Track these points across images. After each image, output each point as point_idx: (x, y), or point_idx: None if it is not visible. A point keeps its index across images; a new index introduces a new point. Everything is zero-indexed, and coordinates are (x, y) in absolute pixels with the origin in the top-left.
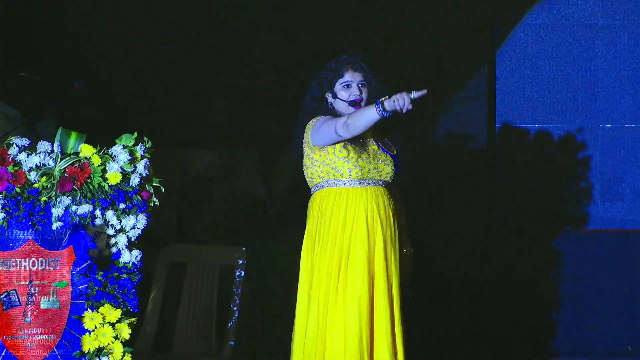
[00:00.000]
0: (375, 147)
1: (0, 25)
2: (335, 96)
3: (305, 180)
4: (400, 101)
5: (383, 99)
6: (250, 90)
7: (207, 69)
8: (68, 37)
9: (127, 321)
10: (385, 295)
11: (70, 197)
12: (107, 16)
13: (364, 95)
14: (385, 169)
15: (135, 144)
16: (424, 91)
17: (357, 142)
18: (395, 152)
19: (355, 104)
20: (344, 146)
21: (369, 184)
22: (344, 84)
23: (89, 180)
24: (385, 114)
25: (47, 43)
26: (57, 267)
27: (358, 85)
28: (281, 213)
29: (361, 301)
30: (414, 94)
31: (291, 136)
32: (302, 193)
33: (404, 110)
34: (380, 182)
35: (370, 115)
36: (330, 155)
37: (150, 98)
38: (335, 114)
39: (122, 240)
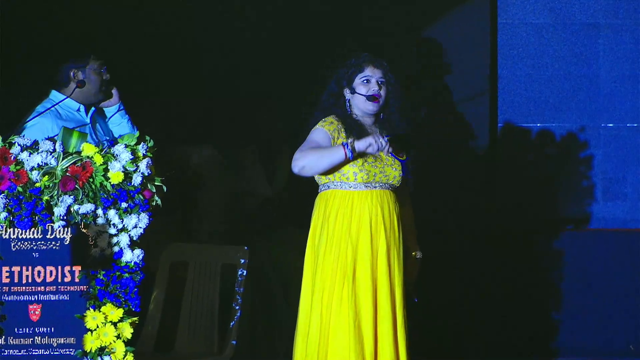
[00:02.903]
0: (382, 152)
1: (0, 25)
2: (353, 91)
3: (307, 180)
4: (376, 146)
5: (351, 140)
6: (250, 89)
7: (208, 68)
8: (68, 36)
9: (129, 320)
10: (388, 299)
11: (72, 196)
12: (106, 15)
13: (382, 93)
14: (393, 173)
15: (137, 143)
16: (390, 149)
17: None
18: (404, 157)
19: (374, 98)
20: None
21: (375, 187)
22: (364, 78)
23: (91, 180)
24: (352, 157)
25: (47, 42)
26: (59, 266)
27: (377, 81)
28: (276, 213)
29: (365, 306)
30: (387, 150)
31: (292, 134)
32: (300, 193)
33: (385, 153)
34: (387, 185)
35: (336, 156)
36: None
37: (151, 96)
38: (346, 115)
39: (124, 239)
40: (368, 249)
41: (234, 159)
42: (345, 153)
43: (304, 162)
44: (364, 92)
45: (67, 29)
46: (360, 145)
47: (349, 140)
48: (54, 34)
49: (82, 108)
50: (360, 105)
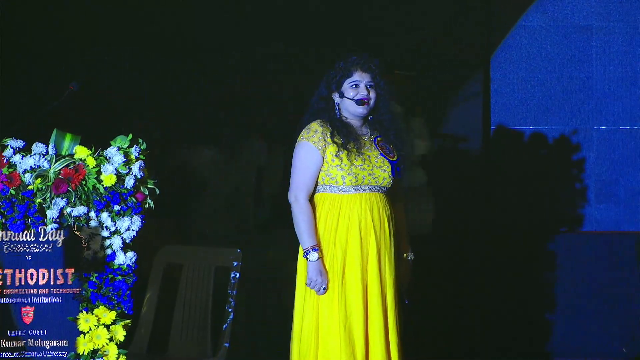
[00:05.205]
0: (371, 153)
1: (0, 25)
2: (342, 95)
3: None
4: (312, 285)
5: (309, 256)
6: (250, 89)
7: (208, 67)
8: (65, 37)
9: (122, 323)
10: (379, 302)
11: (64, 199)
12: (106, 15)
13: (372, 96)
14: (382, 174)
15: (130, 146)
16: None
17: (351, 147)
18: (395, 157)
19: (362, 102)
20: (336, 155)
21: (364, 190)
22: (352, 83)
23: (84, 182)
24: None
25: (44, 43)
26: (52, 269)
27: (366, 85)
28: (270, 214)
29: (355, 309)
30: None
31: (285, 137)
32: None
33: (317, 293)
34: (377, 187)
35: (301, 241)
36: (323, 162)
37: (149, 97)
38: (334, 118)
39: (116, 242)
40: (358, 253)
41: (229, 161)
42: (307, 251)
43: (293, 213)
44: (352, 96)
45: (67, 29)
46: (310, 267)
47: (310, 251)
48: (54, 34)
49: None
50: (350, 109)
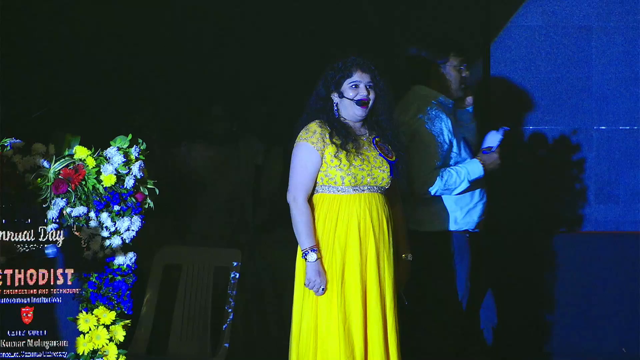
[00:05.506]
0: (370, 153)
1: (0, 26)
2: (341, 95)
3: None
4: (311, 286)
5: (307, 257)
6: (249, 89)
7: (207, 67)
8: (65, 37)
9: (122, 323)
10: (378, 302)
11: (64, 199)
12: (107, 15)
13: (372, 97)
14: (380, 175)
15: (130, 146)
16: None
17: (350, 148)
18: (394, 157)
19: (363, 103)
20: (335, 155)
21: (363, 190)
22: (352, 83)
23: (84, 182)
24: (304, 257)
25: (44, 43)
26: (52, 269)
27: (366, 86)
28: (269, 215)
29: (354, 309)
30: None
31: (284, 137)
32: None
33: (316, 293)
34: (375, 188)
35: (299, 241)
36: (322, 163)
37: (149, 97)
38: (332, 119)
39: (116, 242)
40: (357, 253)
41: (228, 161)
42: (305, 252)
43: (292, 214)
44: (352, 97)
45: (67, 29)
46: (308, 267)
47: (309, 251)
48: (54, 34)
49: (451, 103)
50: (349, 110)
